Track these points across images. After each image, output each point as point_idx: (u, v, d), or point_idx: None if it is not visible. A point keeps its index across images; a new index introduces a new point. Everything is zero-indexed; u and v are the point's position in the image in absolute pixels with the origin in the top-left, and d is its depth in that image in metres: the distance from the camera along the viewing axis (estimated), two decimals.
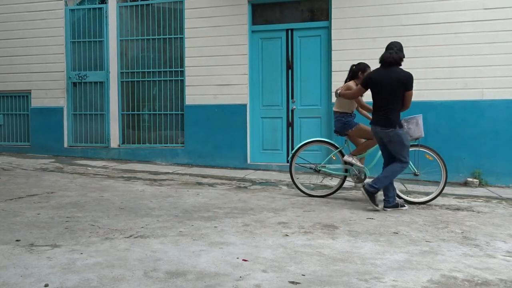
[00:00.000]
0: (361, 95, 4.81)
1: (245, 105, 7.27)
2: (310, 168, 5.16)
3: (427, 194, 4.93)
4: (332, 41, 6.86)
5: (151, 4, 7.85)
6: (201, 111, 7.49)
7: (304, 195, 5.11)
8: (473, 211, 4.57)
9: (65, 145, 8.21)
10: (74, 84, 8.23)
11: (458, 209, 4.62)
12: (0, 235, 3.19)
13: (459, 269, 2.71)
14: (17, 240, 3.08)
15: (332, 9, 6.89)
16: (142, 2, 7.90)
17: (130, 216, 3.90)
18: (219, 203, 4.56)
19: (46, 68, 8.19)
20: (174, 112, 7.78)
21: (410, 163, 4.54)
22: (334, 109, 5.05)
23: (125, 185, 5.51)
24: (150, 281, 2.38)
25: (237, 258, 2.81)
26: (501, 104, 6.22)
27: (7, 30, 8.36)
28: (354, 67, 5.06)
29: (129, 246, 3.00)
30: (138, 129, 8.01)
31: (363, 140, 4.99)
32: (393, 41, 4.62)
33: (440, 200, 5.01)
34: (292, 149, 7.25)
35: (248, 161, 7.34)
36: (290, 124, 7.28)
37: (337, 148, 5.06)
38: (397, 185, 4.80)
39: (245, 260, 2.76)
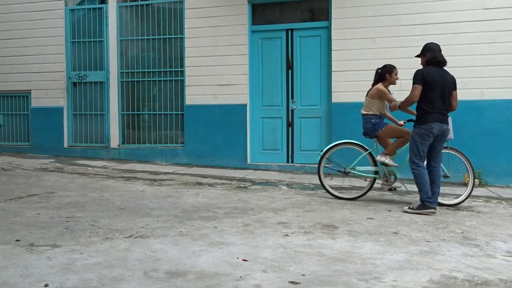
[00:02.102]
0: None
1: (245, 105, 7.27)
2: (339, 170, 5.08)
3: (456, 196, 4.93)
4: (332, 41, 6.86)
5: (151, 4, 7.85)
6: (201, 111, 7.49)
7: (331, 196, 5.05)
8: (473, 211, 4.57)
9: (65, 145, 8.21)
10: (74, 84, 8.23)
11: (458, 209, 4.62)
12: (0, 235, 3.19)
13: (459, 269, 2.71)
14: (17, 240, 3.08)
15: (332, 9, 6.89)
16: (142, 2, 7.90)
17: (130, 216, 3.90)
18: (219, 203, 4.56)
19: (46, 68, 8.19)
20: (174, 112, 7.78)
21: (442, 165, 4.56)
22: (363, 111, 4.98)
23: (125, 185, 5.51)
24: (150, 281, 2.38)
25: (237, 258, 2.81)
26: (501, 104, 6.22)
27: (7, 30, 8.36)
28: (380, 70, 4.98)
29: (129, 246, 3.00)
30: (138, 129, 8.01)
31: (391, 141, 4.94)
32: (433, 42, 4.65)
33: (440, 200, 5.01)
34: (292, 149, 7.27)
35: (248, 161, 7.34)
36: (290, 124, 7.28)
37: (366, 150, 4.98)
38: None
39: (245, 260, 2.76)
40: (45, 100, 8.26)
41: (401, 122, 4.94)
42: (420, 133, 4.35)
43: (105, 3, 8.03)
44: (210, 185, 5.75)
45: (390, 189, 4.97)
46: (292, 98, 7.25)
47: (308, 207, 4.49)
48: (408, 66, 6.50)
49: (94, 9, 8.10)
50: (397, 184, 4.96)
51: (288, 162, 7.29)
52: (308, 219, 3.94)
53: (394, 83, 4.98)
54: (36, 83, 8.29)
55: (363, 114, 5.00)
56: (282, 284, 2.39)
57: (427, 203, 4.29)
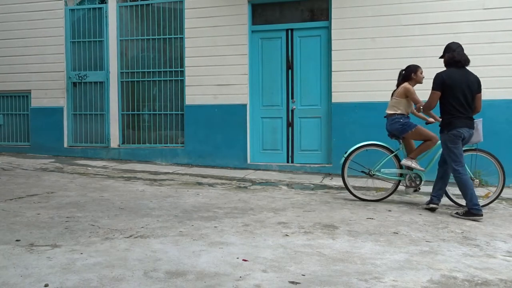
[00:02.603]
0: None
1: (245, 105, 7.27)
2: (363, 172, 4.96)
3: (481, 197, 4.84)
4: (332, 41, 6.86)
5: (151, 4, 7.85)
6: (201, 111, 7.49)
7: (356, 198, 4.96)
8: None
9: (65, 145, 8.21)
10: (74, 84, 8.23)
11: (458, 209, 4.61)
12: (0, 235, 3.19)
13: (459, 269, 2.71)
14: (17, 240, 3.08)
15: (332, 9, 6.90)
16: (142, 2, 7.90)
17: (130, 216, 3.90)
18: (219, 203, 4.56)
19: (46, 68, 8.19)
20: (174, 112, 7.78)
21: (466, 167, 4.40)
22: (390, 111, 4.85)
23: (125, 185, 5.51)
24: (150, 281, 2.38)
25: (237, 258, 2.81)
26: (501, 104, 6.22)
27: (7, 30, 8.36)
28: (403, 71, 4.91)
29: (129, 246, 3.00)
30: (138, 129, 8.01)
31: (414, 143, 4.84)
32: (453, 41, 4.56)
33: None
34: (292, 149, 7.27)
35: (248, 161, 7.34)
36: (290, 124, 7.28)
37: (392, 152, 4.88)
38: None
39: (245, 260, 2.76)
40: (45, 100, 8.26)
41: (438, 118, 4.62)
42: (450, 139, 4.23)
43: (105, 3, 8.02)
44: (210, 185, 5.75)
45: (415, 190, 4.86)
46: (292, 98, 7.25)
47: (308, 207, 4.49)
48: None
49: (94, 9, 8.09)
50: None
51: (288, 162, 7.29)
52: (308, 219, 3.94)
53: (420, 82, 4.86)
54: (36, 83, 8.28)
55: (389, 114, 4.86)
56: (282, 284, 2.39)
57: (473, 210, 4.12)
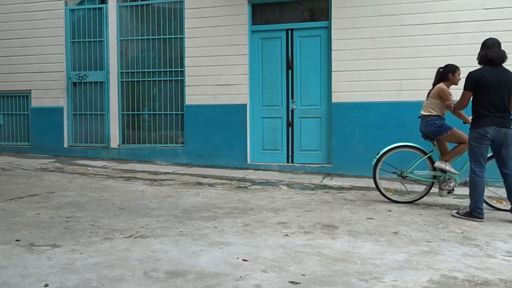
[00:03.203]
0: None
1: (245, 105, 7.27)
2: (394, 172, 4.87)
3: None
4: (332, 41, 6.86)
5: (151, 4, 7.85)
6: (201, 111, 7.49)
7: (387, 199, 4.90)
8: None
9: (65, 145, 8.21)
10: (74, 84, 8.23)
11: (458, 209, 4.61)
12: (0, 235, 3.19)
13: (459, 269, 2.71)
14: (17, 240, 3.08)
15: (332, 9, 6.90)
16: (142, 2, 7.90)
17: (130, 216, 3.90)
18: (219, 203, 4.56)
19: (46, 68, 8.19)
20: (174, 112, 7.78)
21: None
22: (425, 112, 4.74)
23: (125, 185, 5.51)
24: (150, 281, 2.38)
25: (237, 258, 2.81)
26: None
27: (7, 30, 8.37)
28: (441, 69, 4.78)
29: (129, 246, 3.00)
30: (138, 129, 8.01)
31: (447, 145, 4.75)
32: (490, 37, 4.45)
33: (440, 200, 5.02)
34: (292, 149, 7.27)
35: (248, 161, 7.35)
36: (290, 124, 7.28)
37: (425, 153, 4.77)
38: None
39: (245, 260, 2.76)
40: (45, 100, 8.26)
41: (468, 119, 4.48)
42: (474, 136, 4.14)
43: (105, 3, 8.03)
44: (210, 185, 5.75)
45: (448, 192, 4.78)
46: (292, 98, 7.25)
47: (308, 207, 4.49)
48: (408, 66, 6.56)
49: (94, 9, 8.09)
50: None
51: (288, 162, 7.29)
52: (308, 219, 3.94)
53: (456, 83, 4.73)
54: (36, 83, 8.29)
55: (424, 116, 4.75)
56: (282, 284, 2.39)
57: (474, 212, 4.08)
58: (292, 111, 7.26)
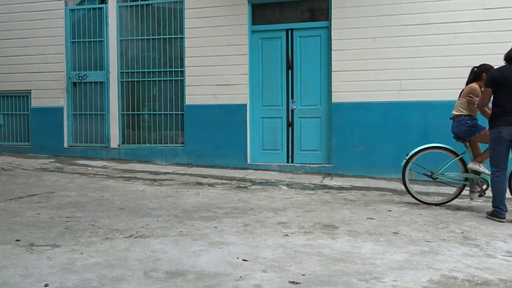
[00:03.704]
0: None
1: (245, 105, 7.27)
2: (425, 174, 4.75)
3: None
4: (332, 41, 6.86)
5: (151, 4, 7.85)
6: (201, 111, 7.49)
7: (417, 201, 4.83)
8: (473, 211, 4.57)
9: (65, 145, 8.21)
10: (74, 84, 8.23)
11: (458, 209, 4.62)
12: (0, 235, 3.19)
13: (459, 269, 2.71)
14: (17, 240, 3.08)
15: (332, 9, 6.90)
16: (142, 2, 7.90)
17: (130, 216, 3.90)
18: (219, 203, 4.56)
19: (46, 68, 8.19)
20: (174, 112, 7.78)
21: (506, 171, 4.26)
22: (456, 112, 4.67)
23: (125, 185, 5.51)
24: (150, 281, 2.38)
25: (237, 258, 2.81)
26: None
27: (7, 30, 8.37)
28: (476, 68, 4.68)
29: (129, 246, 3.00)
30: (138, 129, 8.01)
31: (480, 146, 4.67)
32: None
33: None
34: (292, 149, 7.27)
35: (248, 161, 7.35)
36: (290, 124, 7.28)
37: (457, 155, 4.68)
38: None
39: (245, 260, 2.76)
40: (45, 100, 8.26)
41: None
42: (491, 137, 4.15)
43: (105, 3, 8.03)
44: (210, 185, 5.75)
45: (480, 195, 4.67)
46: (292, 98, 7.26)
47: (308, 207, 4.49)
48: (408, 66, 6.56)
49: (94, 9, 8.10)
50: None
51: (288, 162, 7.29)
52: (308, 219, 3.94)
53: None
54: (36, 83, 8.29)
55: (455, 116, 4.68)
56: (282, 284, 2.39)
57: (495, 211, 4.11)
58: (292, 111, 7.26)
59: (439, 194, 5.02)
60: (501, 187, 4.13)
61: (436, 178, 4.74)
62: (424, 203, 4.79)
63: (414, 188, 4.88)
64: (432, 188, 5.09)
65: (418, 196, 4.84)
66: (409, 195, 4.90)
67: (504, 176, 4.14)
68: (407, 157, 4.79)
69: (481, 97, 4.26)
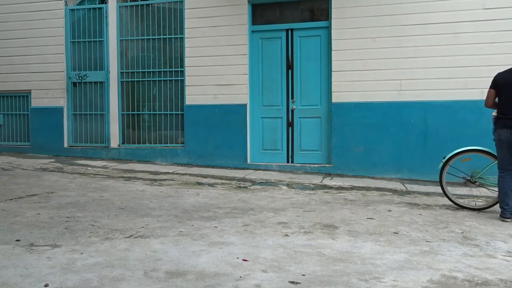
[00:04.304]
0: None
1: (245, 105, 7.27)
2: (464, 178, 4.67)
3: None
4: (332, 41, 6.86)
5: (151, 4, 7.85)
6: (201, 111, 7.49)
7: (456, 206, 4.71)
8: (473, 211, 4.57)
9: (65, 145, 8.21)
10: (74, 84, 8.23)
11: (458, 209, 4.62)
12: (0, 235, 3.19)
13: (459, 269, 2.71)
14: (17, 240, 3.08)
15: (332, 9, 6.89)
16: (142, 2, 7.90)
17: (130, 216, 3.90)
18: (219, 203, 4.56)
19: (46, 68, 8.19)
20: (174, 112, 7.78)
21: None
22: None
23: (125, 185, 5.51)
24: (150, 281, 2.38)
25: (237, 258, 2.81)
26: None
27: (7, 30, 8.37)
28: None
29: (129, 246, 3.00)
30: (138, 129, 8.01)
31: None
32: None
33: (440, 200, 5.01)
34: (292, 149, 7.27)
35: (248, 161, 7.34)
36: (290, 124, 7.28)
37: (496, 158, 4.45)
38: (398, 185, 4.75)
39: (245, 260, 2.76)
40: (45, 100, 8.26)
41: None
42: (495, 140, 4.25)
43: (105, 3, 8.02)
44: (210, 185, 5.75)
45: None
46: (292, 98, 7.25)
47: (308, 207, 4.49)
48: (408, 66, 6.56)
49: (94, 9, 8.09)
50: None
51: (288, 162, 7.29)
52: (308, 219, 3.94)
53: None
54: (36, 83, 8.29)
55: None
56: (282, 284, 2.39)
57: (500, 210, 4.18)
58: (292, 111, 7.26)
59: (476, 197, 4.97)
60: (503, 186, 4.18)
61: (475, 181, 4.63)
62: (464, 207, 4.66)
63: (450, 191, 4.76)
64: (474, 191, 5.00)
65: (457, 200, 4.72)
66: (445, 197, 4.76)
67: (509, 177, 4.16)
68: (444, 160, 4.69)
69: (486, 97, 4.31)
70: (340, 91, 6.82)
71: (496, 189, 4.53)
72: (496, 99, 4.28)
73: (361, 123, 6.73)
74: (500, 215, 4.19)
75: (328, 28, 6.99)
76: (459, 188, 5.61)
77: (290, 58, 7.25)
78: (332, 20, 6.89)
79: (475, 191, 4.97)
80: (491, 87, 4.26)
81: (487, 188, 4.75)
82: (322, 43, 7.09)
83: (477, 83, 6.28)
